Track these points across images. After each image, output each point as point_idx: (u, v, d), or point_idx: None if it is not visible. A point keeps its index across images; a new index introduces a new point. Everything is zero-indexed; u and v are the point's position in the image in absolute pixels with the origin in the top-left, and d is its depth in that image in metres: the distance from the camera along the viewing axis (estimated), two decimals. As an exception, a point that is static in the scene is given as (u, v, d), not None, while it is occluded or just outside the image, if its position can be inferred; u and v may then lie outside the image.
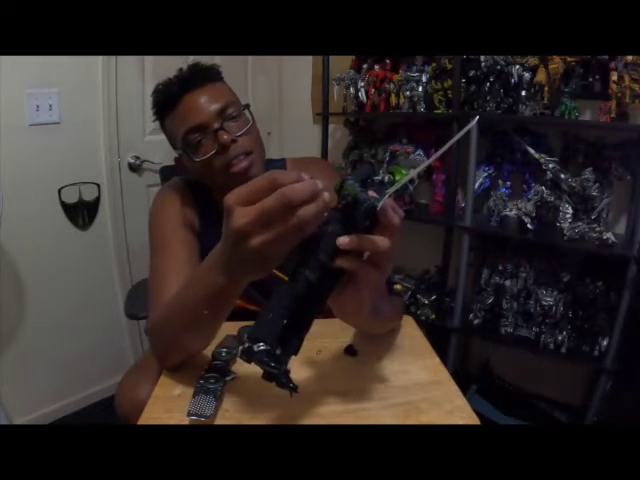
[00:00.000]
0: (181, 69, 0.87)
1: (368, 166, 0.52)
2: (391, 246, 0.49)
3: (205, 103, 0.83)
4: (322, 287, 0.48)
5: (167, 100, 0.86)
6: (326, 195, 0.45)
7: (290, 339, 0.48)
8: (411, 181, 0.53)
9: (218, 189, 0.92)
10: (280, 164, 1.01)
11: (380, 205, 0.46)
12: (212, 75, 0.88)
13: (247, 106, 0.89)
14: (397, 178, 0.49)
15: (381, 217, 0.48)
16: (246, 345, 0.46)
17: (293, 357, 0.49)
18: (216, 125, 0.83)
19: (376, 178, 0.50)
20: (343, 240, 0.46)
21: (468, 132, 1.64)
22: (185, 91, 0.84)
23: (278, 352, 0.46)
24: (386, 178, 0.50)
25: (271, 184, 0.44)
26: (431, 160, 0.49)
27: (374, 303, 0.57)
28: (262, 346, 0.45)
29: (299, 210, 0.43)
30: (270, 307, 0.47)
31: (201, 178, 0.91)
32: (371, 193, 0.47)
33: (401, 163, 0.47)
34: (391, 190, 0.47)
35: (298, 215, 0.43)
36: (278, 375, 0.46)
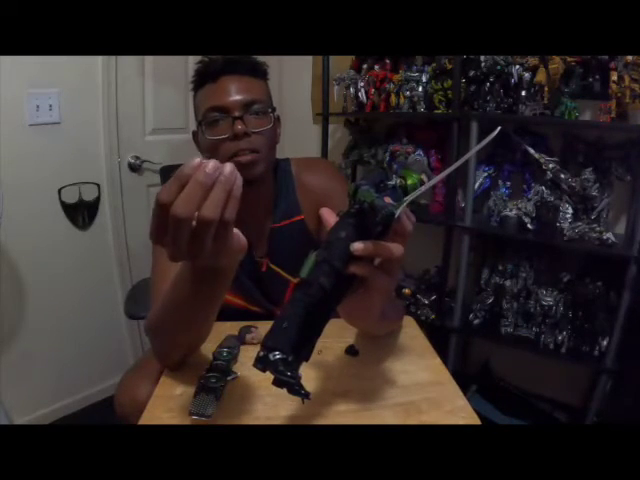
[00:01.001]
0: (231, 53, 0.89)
1: (380, 171, 0.51)
2: (404, 252, 0.49)
3: (237, 90, 0.86)
4: (335, 293, 0.48)
5: (208, 73, 0.88)
6: (225, 175, 0.44)
7: (302, 346, 0.47)
8: (422, 184, 0.51)
9: None
10: (285, 164, 1.02)
11: (398, 212, 0.45)
12: (258, 70, 0.91)
13: (274, 109, 0.91)
14: (409, 182, 0.48)
15: (396, 224, 0.47)
16: (261, 354, 0.45)
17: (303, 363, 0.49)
18: (237, 113, 0.84)
19: (389, 183, 0.49)
20: (358, 246, 0.46)
21: (468, 132, 1.64)
22: (226, 72, 0.87)
23: (290, 359, 0.46)
24: (397, 182, 0.49)
25: (161, 208, 0.44)
26: (450, 170, 0.48)
27: (383, 308, 0.57)
28: (278, 355, 0.45)
29: (200, 214, 0.43)
30: (285, 315, 0.46)
31: (206, 157, 0.92)
32: (387, 200, 0.46)
33: (411, 166, 0.47)
34: (410, 197, 0.46)
35: (201, 223, 0.44)
36: (293, 383, 0.45)
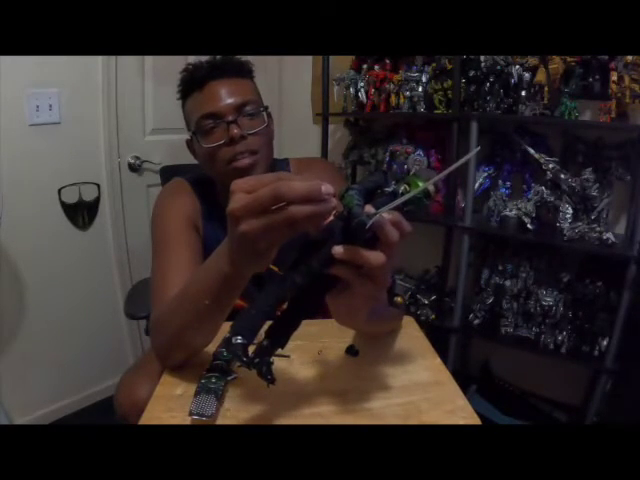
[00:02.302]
0: (215, 57, 0.89)
1: (380, 175, 0.50)
2: (387, 262, 0.47)
3: (227, 94, 0.85)
4: (311, 291, 0.49)
5: (193, 81, 0.87)
6: (332, 202, 0.44)
7: (278, 334, 0.50)
8: (427, 196, 0.49)
9: (220, 183, 0.92)
10: (283, 164, 1.01)
11: (370, 224, 0.44)
12: (243, 70, 0.90)
13: (266, 108, 0.90)
14: (413, 189, 0.46)
15: (377, 233, 0.46)
16: (226, 336, 0.47)
17: (292, 358, 0.49)
18: (231, 117, 0.84)
19: (387, 189, 0.49)
20: (337, 250, 0.46)
21: (468, 132, 1.64)
22: (212, 77, 0.86)
23: (265, 343, 0.48)
24: (401, 189, 0.48)
25: (275, 179, 0.45)
26: (440, 176, 0.47)
27: (371, 310, 0.57)
28: (239, 339, 0.46)
29: (290, 207, 0.43)
30: (255, 304, 0.48)
31: (204, 166, 0.92)
32: (368, 207, 0.46)
33: (421, 174, 0.44)
34: (383, 209, 0.45)
35: (287, 211, 0.44)
36: (253, 366, 0.48)
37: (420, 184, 0.47)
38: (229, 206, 0.47)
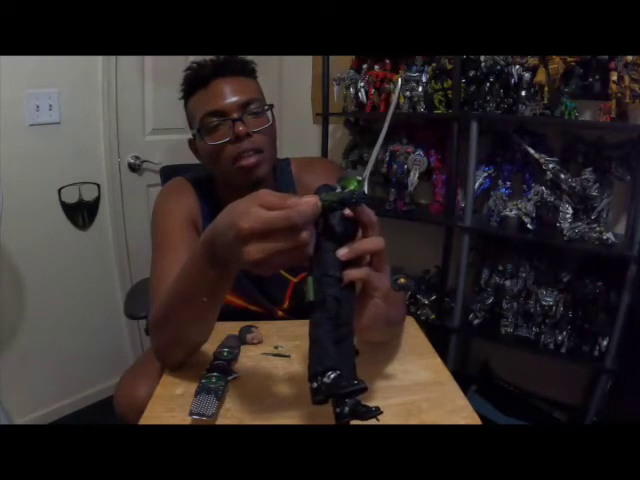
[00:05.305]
0: (219, 56, 0.89)
1: (324, 186, 0.55)
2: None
3: (231, 92, 0.85)
4: (347, 300, 0.48)
5: (197, 79, 0.87)
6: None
7: (347, 358, 0.46)
8: (358, 183, 0.55)
9: (223, 181, 0.92)
10: (285, 164, 1.01)
11: (366, 188, 0.48)
12: (247, 70, 0.90)
13: (271, 106, 0.90)
14: (351, 188, 0.49)
15: (362, 216, 0.49)
16: (315, 385, 0.43)
17: (292, 358, 0.49)
18: (235, 115, 0.84)
19: (336, 191, 0.51)
20: (343, 251, 0.47)
21: (468, 132, 1.64)
22: (217, 75, 0.86)
23: (331, 379, 0.43)
24: (337, 189, 0.50)
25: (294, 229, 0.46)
26: (368, 168, 0.53)
27: (387, 310, 0.57)
28: (332, 374, 0.42)
29: (302, 234, 0.45)
30: (315, 339, 0.46)
31: (207, 164, 0.92)
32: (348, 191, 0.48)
33: (346, 177, 0.50)
34: (367, 172, 0.51)
35: (300, 239, 0.45)
36: (362, 389, 0.42)
37: (352, 180, 0.50)
38: (240, 221, 0.47)
